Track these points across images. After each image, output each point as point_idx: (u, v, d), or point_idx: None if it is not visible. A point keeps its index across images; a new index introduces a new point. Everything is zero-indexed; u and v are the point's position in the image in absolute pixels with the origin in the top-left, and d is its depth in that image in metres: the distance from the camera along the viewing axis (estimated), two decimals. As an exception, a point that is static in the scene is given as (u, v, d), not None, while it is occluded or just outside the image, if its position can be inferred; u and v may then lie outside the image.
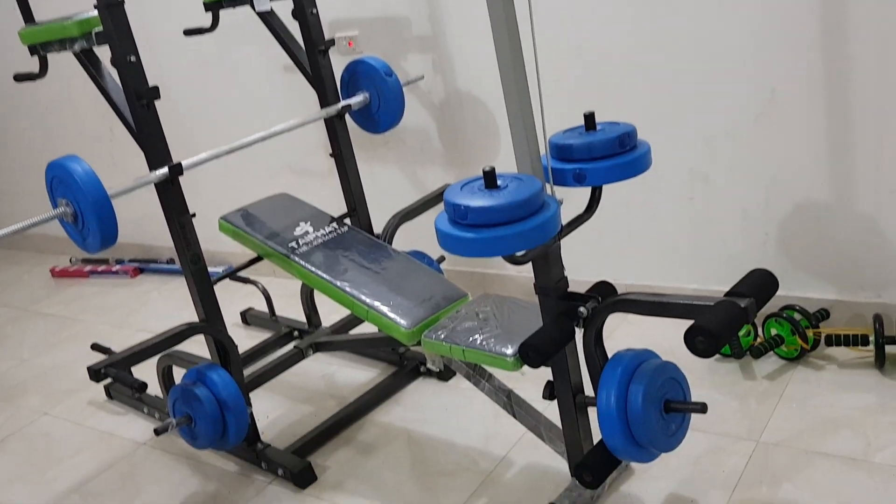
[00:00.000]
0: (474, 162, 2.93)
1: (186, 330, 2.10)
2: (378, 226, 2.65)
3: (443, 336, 1.90)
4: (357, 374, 2.72)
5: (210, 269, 2.19)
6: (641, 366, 1.68)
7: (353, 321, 2.73)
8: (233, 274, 2.32)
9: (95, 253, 1.89)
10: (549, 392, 1.85)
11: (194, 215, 2.13)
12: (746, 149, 2.36)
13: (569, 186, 1.73)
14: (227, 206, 2.44)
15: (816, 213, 2.31)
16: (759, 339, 2.35)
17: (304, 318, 2.94)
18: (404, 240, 2.63)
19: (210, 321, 2.16)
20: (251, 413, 2.28)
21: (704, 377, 2.29)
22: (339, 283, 2.11)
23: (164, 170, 2.03)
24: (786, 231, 2.38)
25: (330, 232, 2.32)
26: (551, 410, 1.92)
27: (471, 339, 1.86)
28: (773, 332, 2.32)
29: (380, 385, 2.58)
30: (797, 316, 2.30)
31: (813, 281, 2.38)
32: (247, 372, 2.66)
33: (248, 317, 3.27)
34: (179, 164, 2.05)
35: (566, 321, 1.72)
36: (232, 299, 3.26)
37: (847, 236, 2.28)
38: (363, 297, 2.07)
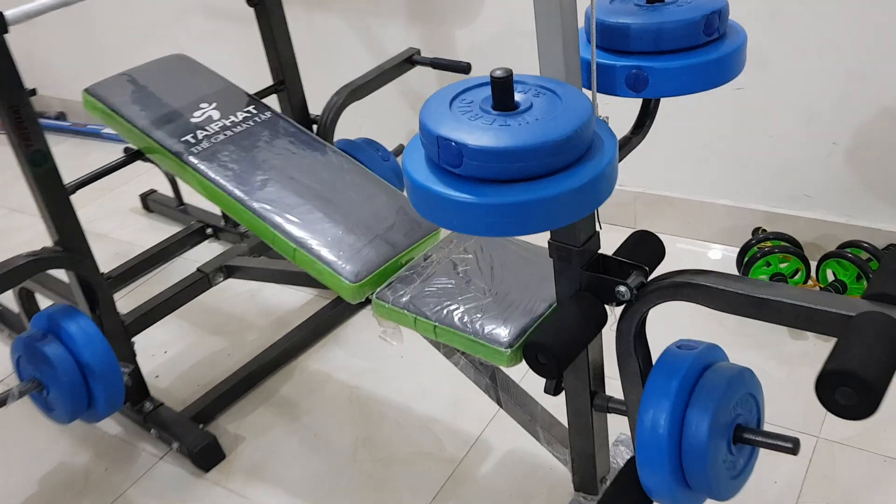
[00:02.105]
0: (452, 18, 2.20)
1: (27, 264, 1.43)
2: (315, 105, 1.96)
3: (405, 300, 1.29)
4: (286, 296, 2.12)
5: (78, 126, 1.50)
6: (706, 374, 1.11)
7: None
8: (99, 176, 1.62)
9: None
10: (556, 385, 1.28)
11: (34, 92, 1.42)
12: (825, 22, 1.71)
13: (616, 97, 1.09)
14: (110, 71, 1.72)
15: (908, 121, 1.71)
16: (811, 284, 1.81)
17: (220, 211, 2.29)
18: (350, 124, 1.96)
19: (67, 247, 1.50)
20: (135, 368, 1.67)
21: (737, 333, 1.75)
22: (253, 205, 1.46)
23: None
24: (861, 140, 1.78)
25: (245, 119, 1.63)
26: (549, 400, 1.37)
27: (446, 309, 1.26)
28: (832, 275, 1.78)
29: (316, 315, 1.99)
30: (863, 255, 1.75)
31: (886, 208, 1.82)
32: (131, 299, 2.04)
33: (149, 202, 2.59)
34: (0, 16, 1.32)
35: (595, 303, 1.13)
36: (128, 177, 2.57)
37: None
38: (288, 228, 1.42)
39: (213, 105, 1.63)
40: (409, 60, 2.03)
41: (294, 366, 1.90)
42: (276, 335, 1.98)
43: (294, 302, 2.10)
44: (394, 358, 1.88)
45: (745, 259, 1.83)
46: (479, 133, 0.82)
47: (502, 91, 0.86)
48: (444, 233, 1.46)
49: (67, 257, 1.49)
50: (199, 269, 1.84)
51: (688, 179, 2.04)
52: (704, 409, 1.08)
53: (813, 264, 1.80)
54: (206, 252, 2.36)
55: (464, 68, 1.97)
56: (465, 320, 1.23)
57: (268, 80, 1.86)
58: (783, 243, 1.82)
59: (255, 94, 1.77)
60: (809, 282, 1.81)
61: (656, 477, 1.10)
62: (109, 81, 1.67)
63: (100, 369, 1.47)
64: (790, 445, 1.07)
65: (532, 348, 1.07)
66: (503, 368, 1.37)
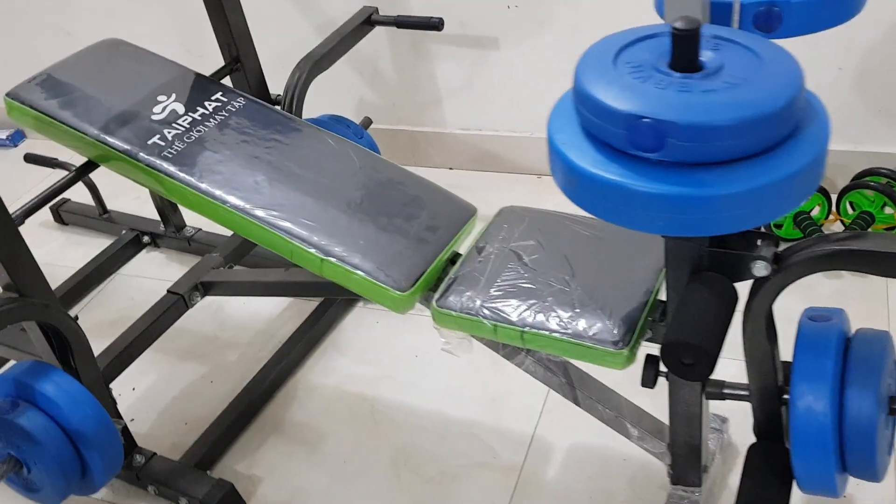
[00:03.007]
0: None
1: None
2: (274, 83, 1.69)
3: (477, 305, 1.10)
4: (258, 305, 1.85)
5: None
6: (852, 347, 0.99)
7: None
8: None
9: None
10: (654, 375, 1.13)
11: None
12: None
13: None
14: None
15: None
16: (832, 219, 1.73)
17: (155, 214, 1.99)
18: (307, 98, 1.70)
19: (24, 292, 1.20)
20: (124, 422, 1.40)
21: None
22: (257, 213, 1.21)
23: None
24: (868, 64, 1.70)
25: (216, 110, 1.36)
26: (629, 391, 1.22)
27: (531, 310, 1.07)
28: (853, 208, 1.71)
29: (305, 323, 1.75)
30: (883, 181, 1.68)
31: (893, 132, 1.76)
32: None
33: (62, 214, 2.23)
34: None
35: (725, 284, 0.97)
36: (27, 186, 2.21)
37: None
38: (307, 236, 1.19)
39: (173, 97, 1.35)
40: (369, 21, 1.80)
41: (295, 384, 1.66)
42: (262, 352, 1.74)
43: (269, 311, 1.85)
44: (406, 358, 1.67)
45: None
46: (684, 106, 0.63)
47: (688, 47, 0.67)
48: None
49: (28, 305, 1.20)
50: (170, 291, 1.56)
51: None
52: (865, 387, 0.96)
53: (833, 197, 1.73)
54: (147, 264, 2.07)
55: (435, 25, 1.76)
56: (560, 321, 1.05)
57: (215, 61, 1.58)
58: (800, 179, 1.73)
59: (211, 75, 1.49)
60: (830, 216, 1.73)
61: (818, 465, 0.97)
62: (35, 81, 1.35)
63: (93, 433, 1.20)
64: (957, 412, 0.97)
65: (674, 349, 0.90)
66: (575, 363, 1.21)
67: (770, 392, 1.06)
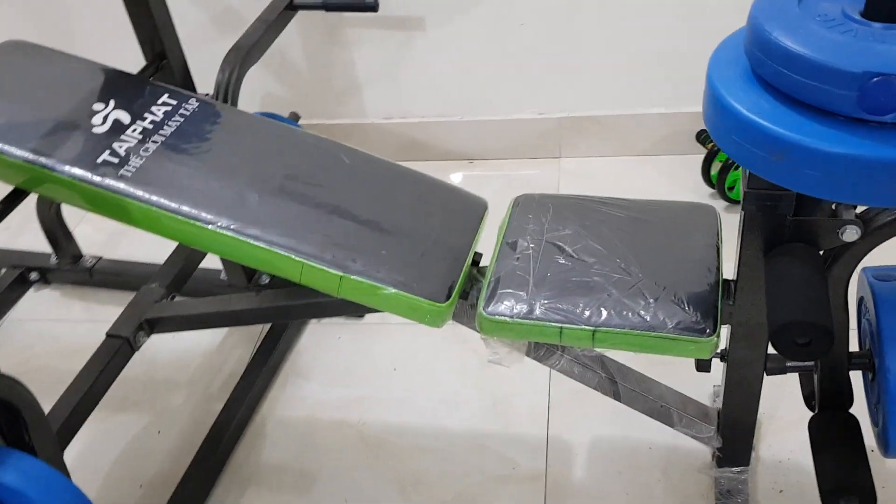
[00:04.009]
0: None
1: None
2: (203, 79, 1.48)
3: (534, 307, 0.98)
4: (191, 338, 1.62)
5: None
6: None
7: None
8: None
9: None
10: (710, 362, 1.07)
11: None
12: None
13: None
14: None
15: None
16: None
17: (36, 244, 1.71)
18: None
19: (-40, 364, 0.95)
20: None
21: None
22: (251, 231, 1.02)
23: None
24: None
25: (168, 115, 1.14)
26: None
27: (601, 307, 0.97)
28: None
29: (250, 347, 1.55)
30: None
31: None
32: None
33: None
34: None
35: (813, 254, 0.92)
36: None
37: None
38: (316, 252, 1.02)
39: (111, 104, 1.12)
40: (291, 6, 1.61)
41: (261, 422, 1.46)
42: (210, 390, 1.53)
43: (207, 342, 1.63)
44: (385, 373, 1.52)
45: (720, 167, 1.72)
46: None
47: (890, -8, 0.59)
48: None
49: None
50: (111, 335, 1.32)
51: (616, 93, 1.87)
52: (957, 342, 0.93)
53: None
54: (40, 304, 1.78)
55: (371, 6, 1.60)
56: (634, 315, 0.96)
57: (134, 59, 1.34)
58: (748, 141, 1.74)
59: (141, 74, 1.26)
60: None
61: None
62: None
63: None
64: None
65: (787, 330, 0.84)
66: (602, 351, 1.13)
67: (840, 360, 1.02)
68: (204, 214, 1.02)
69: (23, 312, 1.77)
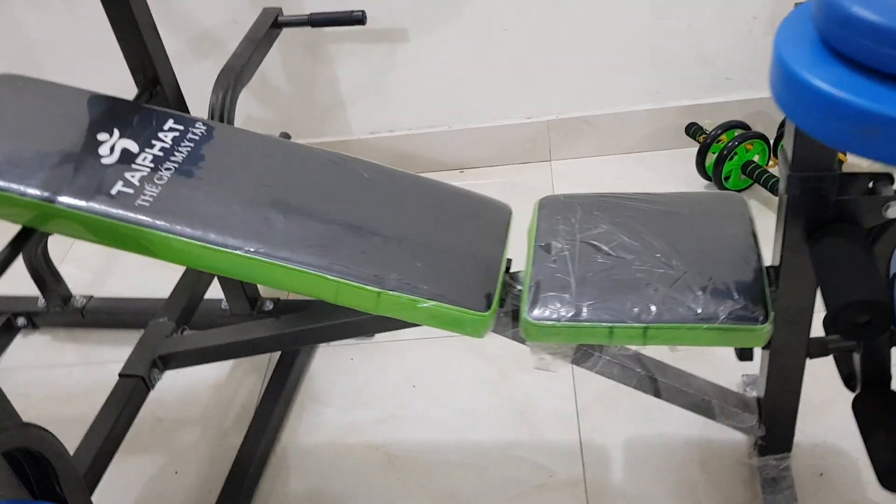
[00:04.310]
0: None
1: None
2: (196, 101, 1.44)
3: (581, 309, 0.96)
4: (189, 371, 1.56)
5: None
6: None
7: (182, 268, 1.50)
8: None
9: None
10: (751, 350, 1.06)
11: None
12: None
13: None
14: None
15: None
16: (772, 164, 1.77)
17: (18, 288, 1.64)
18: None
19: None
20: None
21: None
22: (287, 255, 0.98)
23: None
24: (780, 8, 1.75)
25: (177, 141, 1.09)
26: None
27: (650, 302, 0.95)
28: (791, 149, 1.75)
29: (260, 377, 1.51)
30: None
31: (805, 72, 1.82)
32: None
33: None
34: None
35: (858, 232, 0.92)
36: None
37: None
38: (355, 269, 0.98)
39: (116, 133, 1.07)
40: (276, 24, 1.58)
41: (283, 452, 1.42)
42: (224, 425, 1.48)
43: (214, 376, 1.57)
44: (403, 391, 1.49)
45: (714, 159, 1.73)
46: None
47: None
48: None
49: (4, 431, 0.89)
50: (124, 375, 1.26)
51: (603, 92, 1.87)
52: None
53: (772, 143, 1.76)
54: (30, 351, 1.71)
55: (359, 19, 1.58)
56: (685, 308, 0.94)
57: (125, 82, 1.30)
58: (739, 131, 1.75)
59: (135, 101, 1.21)
60: (770, 162, 1.77)
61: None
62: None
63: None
64: None
65: (847, 311, 0.83)
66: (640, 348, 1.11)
67: (884, 337, 1.03)
68: (231, 240, 0.98)
69: (12, 360, 1.70)
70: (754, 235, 1.03)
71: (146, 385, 1.26)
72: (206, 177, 1.05)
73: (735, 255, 1.00)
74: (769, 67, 0.70)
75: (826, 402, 1.32)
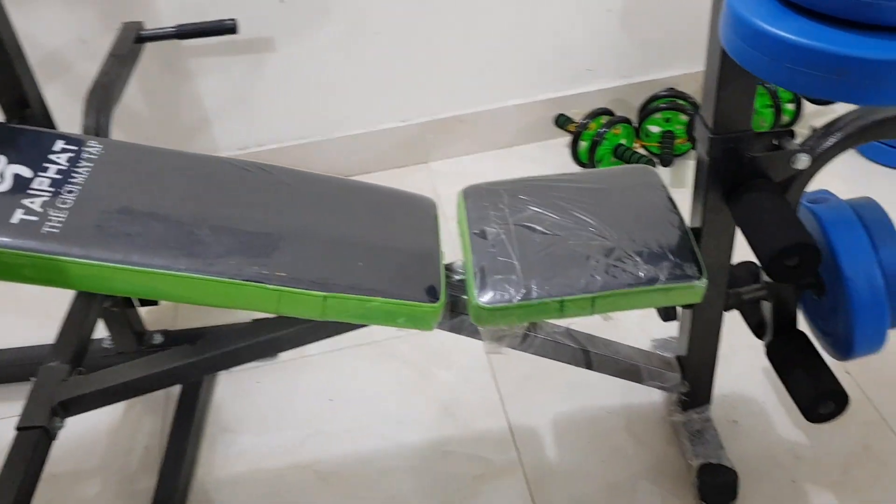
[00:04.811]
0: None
1: None
2: (67, 117, 1.33)
3: (531, 288, 0.97)
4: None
5: None
6: (861, 214, 1.08)
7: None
8: None
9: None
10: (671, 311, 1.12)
11: None
12: None
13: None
14: None
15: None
16: (637, 145, 1.88)
17: None
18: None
19: None
20: None
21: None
22: (223, 269, 0.92)
23: None
24: (631, 2, 1.86)
25: (72, 161, 0.99)
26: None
27: (593, 273, 0.98)
28: (658, 129, 1.87)
29: (158, 414, 1.41)
30: (669, 101, 1.87)
31: (659, 59, 1.95)
32: None
33: None
34: None
35: (773, 185, 0.99)
36: None
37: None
38: (297, 276, 0.94)
39: (3, 160, 0.96)
40: (139, 39, 1.48)
41: (202, 487, 1.32)
42: (128, 470, 1.37)
43: (107, 420, 1.44)
44: (321, 406, 1.44)
45: (587, 146, 1.81)
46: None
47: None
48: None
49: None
50: (22, 428, 1.13)
51: (475, 90, 1.91)
52: (892, 244, 1.05)
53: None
54: None
55: (230, 28, 1.52)
56: (627, 274, 0.98)
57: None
58: (606, 118, 1.85)
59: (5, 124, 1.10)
60: (636, 144, 1.88)
61: (876, 324, 1.05)
62: None
63: None
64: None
65: (780, 256, 0.90)
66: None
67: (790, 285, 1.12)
68: (157, 260, 0.90)
69: None
70: (671, 200, 1.08)
71: (48, 436, 1.14)
72: (116, 196, 0.96)
73: (660, 220, 1.05)
74: (723, 26, 0.74)
75: (725, 355, 1.41)
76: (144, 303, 1.50)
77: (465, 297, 1.02)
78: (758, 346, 1.18)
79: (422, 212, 1.11)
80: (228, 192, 1.03)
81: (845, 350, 1.09)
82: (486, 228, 1.06)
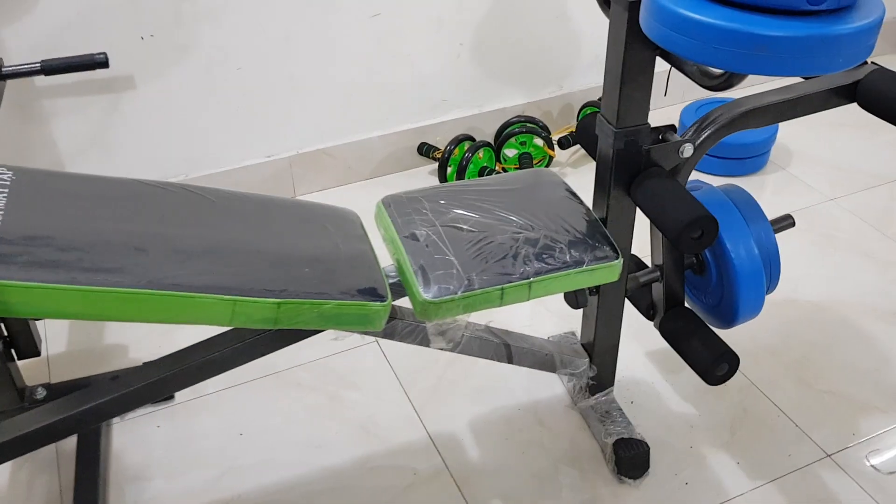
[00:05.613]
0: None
1: None
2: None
3: (476, 281, 1.03)
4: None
5: None
6: (730, 195, 1.25)
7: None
8: None
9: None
10: (585, 294, 1.22)
11: None
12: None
13: None
14: None
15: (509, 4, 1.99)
16: (499, 168, 2.00)
17: None
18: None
19: None
20: None
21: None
22: (174, 282, 0.90)
23: None
24: (481, 36, 2.00)
25: (-24, 190, 0.93)
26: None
27: (524, 262, 1.06)
28: (515, 152, 2.01)
29: (56, 472, 1.30)
30: (520, 125, 2.02)
31: (506, 89, 2.10)
32: None
33: None
34: None
35: (664, 172, 1.12)
36: None
37: (535, 29, 2.04)
38: (248, 285, 0.94)
39: None
40: (0, 76, 1.40)
41: (123, 539, 1.24)
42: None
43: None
44: (231, 442, 1.39)
45: (454, 170, 1.91)
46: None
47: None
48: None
49: None
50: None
51: (339, 123, 1.96)
52: (761, 219, 1.22)
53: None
54: None
55: (101, 62, 1.47)
56: (555, 259, 1.06)
57: None
58: (469, 143, 1.96)
59: None
60: (498, 166, 2.00)
61: (756, 292, 1.20)
62: None
63: None
64: (790, 221, 1.32)
65: (686, 230, 1.03)
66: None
67: (679, 263, 1.25)
68: (107, 277, 0.87)
69: None
70: (575, 195, 1.19)
71: None
72: (46, 222, 0.91)
73: (571, 211, 1.15)
74: (649, 19, 0.85)
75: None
76: (23, 355, 1.39)
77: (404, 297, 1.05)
78: (640, 336, 1.31)
79: (349, 222, 1.13)
80: (161, 212, 1.00)
81: (729, 318, 1.24)
82: (416, 231, 1.10)
